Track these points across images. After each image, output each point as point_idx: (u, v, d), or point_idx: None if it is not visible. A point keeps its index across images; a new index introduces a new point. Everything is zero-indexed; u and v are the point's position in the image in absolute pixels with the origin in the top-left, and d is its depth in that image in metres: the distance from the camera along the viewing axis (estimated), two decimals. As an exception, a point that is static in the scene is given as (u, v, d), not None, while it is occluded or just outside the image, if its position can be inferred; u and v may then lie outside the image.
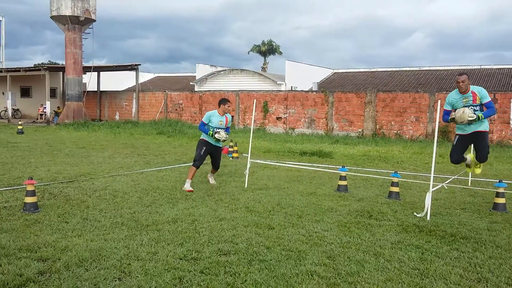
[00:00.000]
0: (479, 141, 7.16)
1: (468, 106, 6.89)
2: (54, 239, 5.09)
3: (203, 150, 8.41)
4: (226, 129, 8.56)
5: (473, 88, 6.98)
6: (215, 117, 8.40)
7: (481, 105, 6.88)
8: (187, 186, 8.21)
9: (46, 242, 4.97)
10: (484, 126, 7.06)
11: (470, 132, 7.13)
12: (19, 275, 4.06)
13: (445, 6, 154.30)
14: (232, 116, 27.11)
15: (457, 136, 7.39)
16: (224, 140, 8.46)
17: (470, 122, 6.92)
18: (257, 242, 5.16)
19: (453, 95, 7.11)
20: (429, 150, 14.96)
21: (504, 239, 5.57)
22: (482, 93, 6.88)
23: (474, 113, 6.82)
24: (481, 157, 7.31)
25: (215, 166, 8.86)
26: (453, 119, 7.09)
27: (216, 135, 8.29)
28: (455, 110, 7.09)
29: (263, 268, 4.39)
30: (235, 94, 27.24)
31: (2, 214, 6.18)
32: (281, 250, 4.93)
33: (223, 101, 8.48)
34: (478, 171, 7.90)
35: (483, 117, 6.83)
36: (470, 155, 7.57)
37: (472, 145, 7.66)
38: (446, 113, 7.24)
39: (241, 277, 4.14)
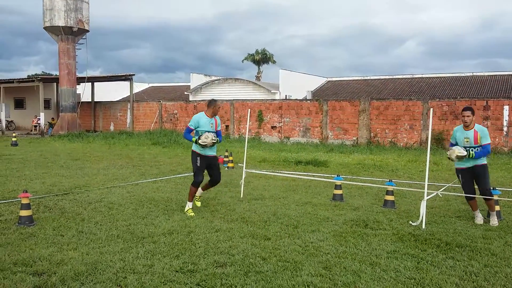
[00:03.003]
0: (478, 175, 6.92)
1: (466, 147, 6.76)
2: (49, 253, 5.06)
3: (198, 163, 7.36)
4: (217, 133, 7.51)
5: (477, 127, 6.86)
6: (203, 120, 7.37)
7: (480, 146, 6.76)
8: (188, 206, 7.31)
9: (41, 256, 4.95)
10: (482, 160, 6.88)
11: (468, 166, 6.92)
12: (14, 290, 4.03)
13: (437, 14, 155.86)
14: (227, 126, 27.13)
15: (458, 171, 7.17)
16: (213, 144, 7.33)
17: (459, 159, 6.78)
18: (253, 253, 5.17)
19: (459, 131, 7.01)
20: (424, 158, 15.03)
21: (499, 247, 5.60)
22: (483, 133, 6.78)
23: (466, 150, 6.71)
24: (481, 192, 6.96)
25: (214, 179, 7.62)
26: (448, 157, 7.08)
27: (200, 141, 7.18)
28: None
29: (259, 279, 4.39)
30: (230, 103, 27.29)
31: (-3, 228, 6.15)
32: (277, 261, 4.94)
33: (212, 102, 7.49)
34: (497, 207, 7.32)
35: (474, 155, 6.70)
36: (480, 215, 7.04)
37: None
38: (451, 144, 7.18)
39: (238, 289, 4.13)
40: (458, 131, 6.98)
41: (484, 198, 6.88)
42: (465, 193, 7.03)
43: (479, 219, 6.93)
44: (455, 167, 7.18)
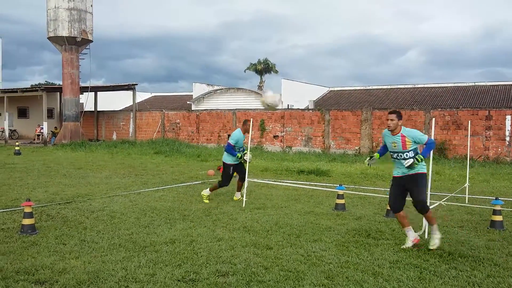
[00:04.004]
0: (413, 184, 6.02)
1: (395, 152, 6.06)
2: (51, 261, 5.07)
3: (231, 172, 9.10)
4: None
5: (404, 131, 6.05)
6: (241, 138, 9.13)
7: (411, 150, 5.96)
8: (205, 192, 9.06)
9: (43, 265, 4.95)
10: (419, 168, 5.96)
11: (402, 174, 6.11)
12: (16, 298, 4.03)
13: (439, 24, 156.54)
14: (229, 135, 27.16)
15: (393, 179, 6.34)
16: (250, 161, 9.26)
17: (411, 167, 5.95)
18: (256, 263, 5.16)
19: (386, 135, 6.28)
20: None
21: (502, 257, 5.58)
22: (413, 135, 5.99)
23: (410, 158, 5.91)
24: (414, 204, 6.05)
25: (241, 176, 9.19)
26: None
27: (245, 157, 9.00)
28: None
29: (261, 289, 4.38)
30: (232, 112, 27.36)
31: (0, 236, 6.16)
32: (280, 270, 4.93)
33: (245, 121, 9.27)
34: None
35: (422, 159, 5.89)
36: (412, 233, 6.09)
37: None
38: (382, 147, 6.63)
39: (240, 299, 4.12)
40: (386, 135, 6.24)
41: (419, 212, 6.04)
42: (389, 203, 6.30)
43: (411, 238, 6.00)
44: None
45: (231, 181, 9.24)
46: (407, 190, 6.03)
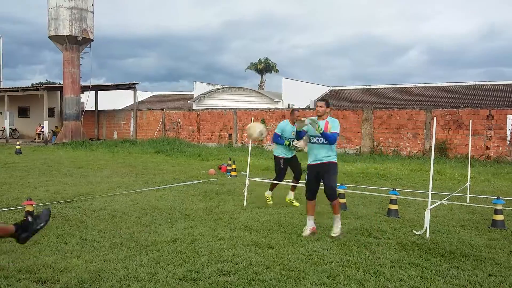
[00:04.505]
0: (325, 172, 6.58)
1: (315, 136, 6.57)
2: (53, 260, 5.07)
3: (282, 164, 8.67)
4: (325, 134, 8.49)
5: (329, 118, 6.62)
6: (287, 129, 8.55)
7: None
8: (268, 193, 8.87)
9: (45, 264, 4.96)
10: (330, 157, 6.54)
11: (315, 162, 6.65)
12: (18, 297, 4.04)
13: (440, 23, 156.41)
14: (230, 134, 27.17)
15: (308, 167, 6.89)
16: (302, 150, 7.88)
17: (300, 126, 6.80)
18: (257, 262, 5.16)
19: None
20: (427, 167, 15.01)
21: (503, 256, 5.58)
22: (334, 124, 6.54)
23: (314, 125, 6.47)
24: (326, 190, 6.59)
25: (296, 173, 8.81)
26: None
27: (294, 143, 7.92)
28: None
29: (263, 288, 4.38)
30: (233, 112, 27.36)
31: (1, 235, 6.16)
32: (281, 269, 4.93)
33: (293, 111, 8.62)
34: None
35: (322, 130, 6.42)
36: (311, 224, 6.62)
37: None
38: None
39: (242, 298, 4.12)
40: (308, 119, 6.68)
41: (328, 198, 6.48)
42: (306, 191, 6.70)
43: (309, 226, 6.52)
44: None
45: (284, 175, 8.84)
46: (321, 176, 6.58)
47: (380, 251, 5.72)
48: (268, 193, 8.92)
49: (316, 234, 6.48)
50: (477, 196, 10.08)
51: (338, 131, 6.54)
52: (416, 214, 8.11)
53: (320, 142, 6.51)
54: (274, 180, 8.88)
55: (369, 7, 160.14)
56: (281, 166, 8.73)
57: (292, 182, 8.92)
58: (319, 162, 6.54)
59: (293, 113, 8.54)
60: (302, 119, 6.76)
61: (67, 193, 9.77)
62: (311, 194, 6.68)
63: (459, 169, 15.22)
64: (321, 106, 6.63)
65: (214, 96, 34.00)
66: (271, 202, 8.77)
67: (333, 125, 6.54)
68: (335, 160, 6.59)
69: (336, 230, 6.41)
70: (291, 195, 8.94)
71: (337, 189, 8.56)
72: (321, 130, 6.36)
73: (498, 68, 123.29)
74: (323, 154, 6.51)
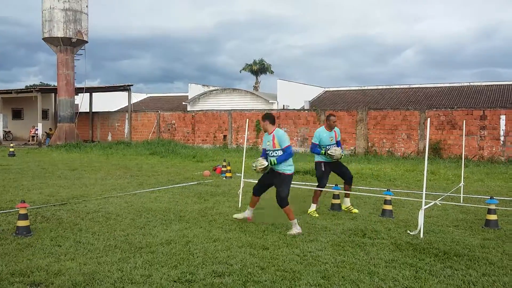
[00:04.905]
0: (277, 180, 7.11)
1: (269, 150, 6.98)
2: (47, 263, 5.05)
3: (323, 169, 8.29)
4: (337, 143, 8.45)
5: (275, 132, 7.02)
6: (323, 134, 8.31)
7: (280, 149, 6.88)
8: (312, 208, 8.16)
9: (39, 266, 4.93)
10: (285, 169, 6.92)
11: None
12: (11, 300, 4.02)
13: (434, 24, 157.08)
14: (225, 135, 27.16)
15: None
16: (338, 158, 8.21)
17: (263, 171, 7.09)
18: (252, 263, 5.16)
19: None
20: (421, 168, 15.06)
21: (497, 256, 5.61)
22: (280, 138, 6.90)
23: (267, 161, 6.96)
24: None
25: (347, 178, 8.43)
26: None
27: (329, 151, 8.12)
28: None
29: (258, 289, 4.38)
30: (228, 113, 27.36)
31: (-6, 238, 6.13)
32: (276, 270, 4.93)
33: (329, 116, 8.42)
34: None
35: (275, 162, 6.84)
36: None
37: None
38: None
39: (236, 299, 4.12)
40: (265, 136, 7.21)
41: (278, 203, 6.83)
42: (255, 186, 7.28)
43: (246, 214, 7.30)
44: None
45: (327, 180, 8.37)
46: (273, 183, 6.97)
47: (375, 251, 5.74)
48: (312, 208, 8.17)
49: (249, 221, 7.15)
50: (471, 196, 10.13)
51: (288, 143, 6.87)
52: (410, 215, 8.14)
53: (272, 155, 6.92)
54: (316, 187, 8.36)
55: (364, 8, 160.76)
56: (323, 169, 8.28)
57: (344, 190, 8.45)
58: (275, 170, 6.90)
59: (329, 119, 8.32)
60: (262, 167, 6.97)
61: (61, 195, 9.72)
62: (256, 192, 7.22)
63: (453, 169, 15.29)
64: (334, 122, 7.59)
65: (209, 97, 33.99)
66: (317, 215, 7.98)
67: (279, 139, 6.84)
68: (288, 172, 6.89)
69: (291, 231, 6.65)
70: (347, 202, 8.44)
71: (332, 190, 8.61)
72: (274, 163, 6.80)
73: (492, 69, 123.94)
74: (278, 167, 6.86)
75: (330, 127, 8.34)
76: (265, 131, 7.09)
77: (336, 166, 8.43)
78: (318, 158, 8.40)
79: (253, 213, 7.32)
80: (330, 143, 8.24)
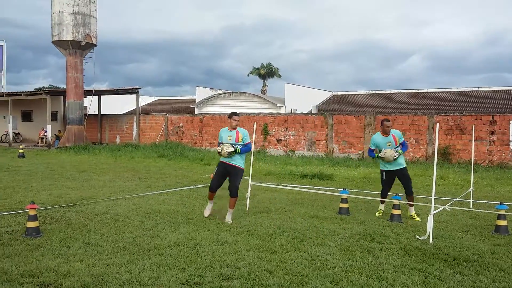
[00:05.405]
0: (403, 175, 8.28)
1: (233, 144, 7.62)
2: (56, 264, 5.08)
3: (384, 177, 8.50)
4: (402, 146, 8.30)
5: (393, 131, 8.07)
6: (380, 141, 8.34)
7: (243, 144, 7.67)
8: (380, 207, 8.58)
9: (48, 267, 4.96)
10: (240, 163, 7.74)
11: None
12: (21, 301, 4.04)
13: (442, 29, 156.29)
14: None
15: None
16: (393, 159, 8.16)
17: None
18: (260, 266, 5.15)
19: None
20: (430, 172, 14.97)
21: (507, 262, 5.56)
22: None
23: (233, 146, 7.58)
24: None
25: (407, 190, 8.36)
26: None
27: (380, 154, 8.19)
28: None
29: (266, 292, 4.37)
30: (235, 117, 27.36)
31: (4, 239, 6.17)
32: (284, 274, 4.92)
33: (383, 121, 8.33)
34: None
35: (240, 151, 7.59)
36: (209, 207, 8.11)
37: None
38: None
39: (244, 302, 4.11)
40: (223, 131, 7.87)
41: (230, 193, 7.65)
42: (211, 184, 7.96)
43: (208, 209, 8.05)
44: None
45: (389, 188, 8.55)
46: (228, 176, 7.72)
47: (383, 256, 5.70)
48: (379, 208, 8.58)
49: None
50: (480, 201, 10.05)
51: (249, 140, 7.71)
52: (419, 219, 8.08)
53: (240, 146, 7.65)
54: (380, 194, 8.62)
55: (371, 13, 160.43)
56: (383, 178, 8.51)
57: (407, 200, 8.45)
58: (228, 163, 7.67)
59: (383, 124, 8.24)
60: (227, 150, 7.58)
61: (70, 197, 9.78)
62: (213, 188, 7.85)
63: (462, 174, 15.18)
64: (235, 120, 7.65)
65: (217, 101, 34.05)
66: (379, 214, 8.38)
67: (245, 135, 7.65)
68: (241, 166, 7.74)
69: (227, 219, 7.59)
70: (411, 210, 8.38)
71: (344, 194, 8.60)
72: (239, 151, 7.54)
73: (500, 74, 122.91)
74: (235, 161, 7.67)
75: (385, 133, 8.27)
76: (234, 127, 7.66)
77: (400, 177, 8.44)
78: (381, 166, 8.59)
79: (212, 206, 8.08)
80: (388, 148, 8.20)
